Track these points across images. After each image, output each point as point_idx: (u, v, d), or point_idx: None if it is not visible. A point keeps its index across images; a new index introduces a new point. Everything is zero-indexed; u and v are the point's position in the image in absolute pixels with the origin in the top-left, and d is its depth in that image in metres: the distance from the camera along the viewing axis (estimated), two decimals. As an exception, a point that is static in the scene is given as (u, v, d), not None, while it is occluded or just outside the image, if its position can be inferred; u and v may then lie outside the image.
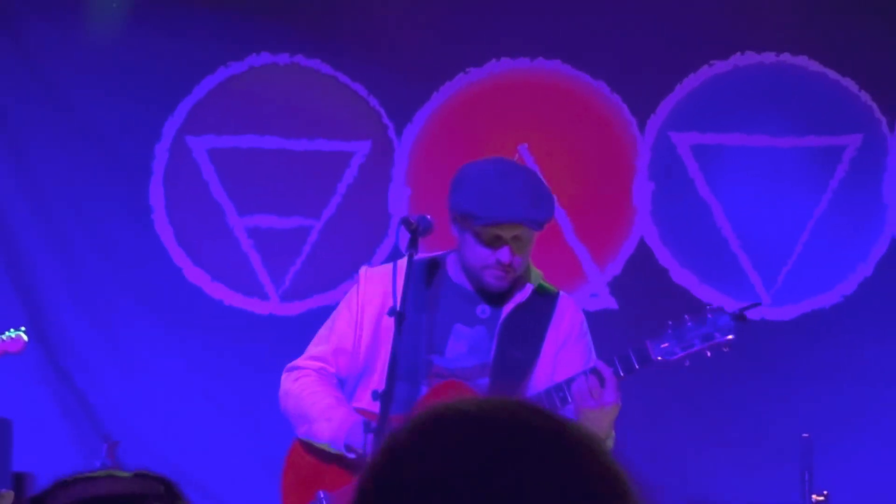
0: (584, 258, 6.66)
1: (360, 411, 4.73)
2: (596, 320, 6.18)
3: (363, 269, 5.02)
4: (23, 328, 5.95)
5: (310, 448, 4.88)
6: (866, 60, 6.80)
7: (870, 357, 6.42)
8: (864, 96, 6.73)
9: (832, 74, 6.77)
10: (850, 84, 6.75)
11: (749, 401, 6.51)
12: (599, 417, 4.48)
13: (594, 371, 4.49)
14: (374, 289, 4.87)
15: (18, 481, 5.93)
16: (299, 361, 4.95)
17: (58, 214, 6.97)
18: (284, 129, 6.94)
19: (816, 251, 6.77)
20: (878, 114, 6.74)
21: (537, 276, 4.87)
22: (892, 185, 6.78)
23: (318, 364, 4.88)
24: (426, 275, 4.93)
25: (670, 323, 4.56)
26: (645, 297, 6.74)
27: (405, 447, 1.48)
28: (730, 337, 4.60)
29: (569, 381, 4.53)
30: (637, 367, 4.54)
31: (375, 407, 4.69)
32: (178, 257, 6.90)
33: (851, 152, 6.75)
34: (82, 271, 6.94)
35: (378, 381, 4.78)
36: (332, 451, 4.73)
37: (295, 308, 6.81)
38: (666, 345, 4.57)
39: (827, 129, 6.80)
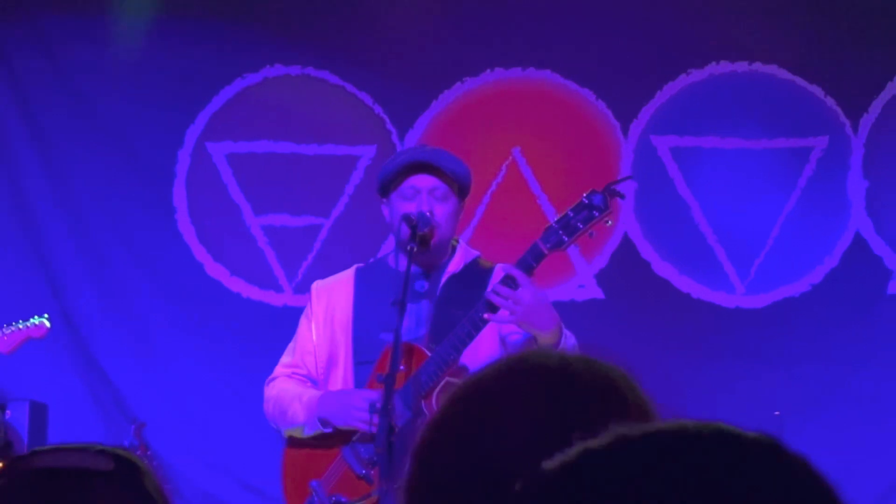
0: (573, 252, 6.39)
1: (327, 395, 4.83)
2: (584, 309, 6.62)
3: (314, 284, 5.09)
4: (46, 315, 5.88)
5: (296, 445, 4.87)
6: (831, 68, 6.78)
7: (835, 341, 6.42)
8: (830, 101, 6.71)
9: (800, 81, 6.74)
10: (816, 90, 6.72)
11: (726, 381, 6.43)
12: (533, 315, 4.44)
13: (504, 279, 4.42)
14: (323, 298, 4.93)
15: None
16: (274, 373, 4.97)
17: (87, 214, 6.92)
18: (296, 135, 6.93)
19: (786, 244, 6.73)
20: (842, 117, 6.73)
21: (474, 255, 4.90)
22: (856, 182, 6.77)
23: (290, 370, 4.92)
24: (374, 273, 4.95)
25: (554, 220, 4.49)
26: (629, 288, 6.74)
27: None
28: (608, 211, 4.47)
29: (486, 300, 4.46)
30: (534, 263, 4.45)
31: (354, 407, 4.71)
32: (200, 254, 6.88)
33: (818, 153, 6.75)
34: (110, 267, 6.90)
35: (340, 373, 4.86)
36: (309, 434, 4.74)
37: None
38: (554, 238, 4.47)
39: (795, 132, 6.78)
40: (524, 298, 4.33)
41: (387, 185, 4.75)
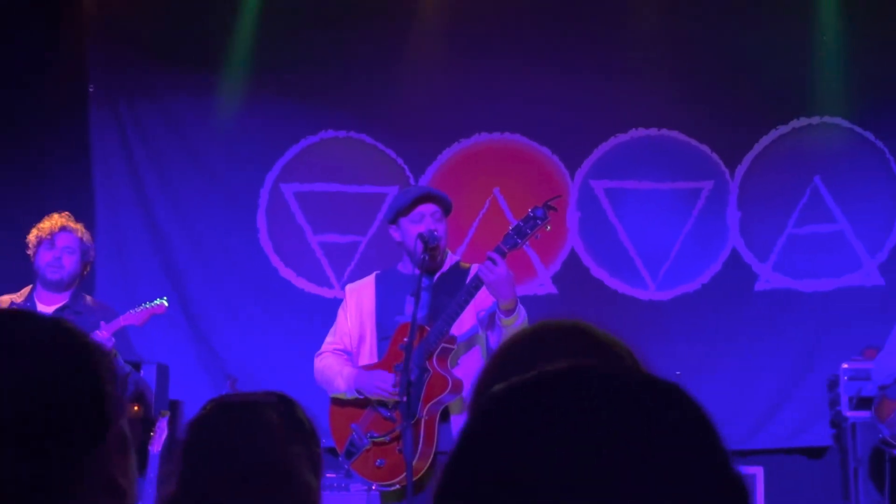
0: (535, 260, 6.74)
1: (363, 367, 4.95)
2: (543, 301, 6.66)
3: (347, 287, 5.32)
4: (165, 297, 5.68)
5: (338, 402, 5.00)
6: (716, 132, 6.82)
7: (718, 324, 6.55)
8: (714, 156, 6.82)
9: (694, 142, 6.83)
10: (705, 148, 6.83)
11: (648, 354, 6.50)
12: (502, 286, 4.60)
13: (488, 258, 4.58)
14: (353, 296, 5.09)
15: (173, 406, 6.00)
16: (322, 348, 5.13)
17: (197, 231, 6.97)
18: (342, 179, 6.98)
19: (684, 255, 6.80)
20: (723, 167, 6.82)
21: (456, 259, 5.05)
22: (732, 213, 6.80)
23: (332, 347, 5.05)
24: (389, 277, 5.11)
25: (511, 227, 4.69)
26: (575, 286, 6.78)
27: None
28: (547, 220, 4.67)
29: (476, 276, 4.66)
30: (501, 257, 4.57)
31: (374, 360, 4.99)
32: (275, 261, 6.97)
33: (706, 192, 6.82)
34: (213, 268, 6.97)
35: (367, 349, 5.05)
36: (349, 397, 4.92)
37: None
38: (511, 241, 4.62)
39: (690, 177, 6.84)
40: (498, 271, 4.48)
41: (398, 213, 4.89)
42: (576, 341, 1.51)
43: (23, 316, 1.46)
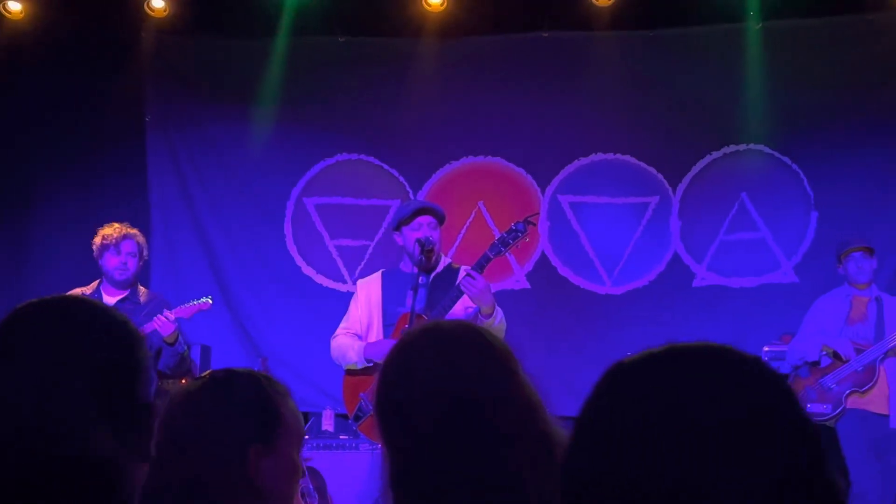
0: (513, 261, 6.73)
1: (369, 344, 4.98)
2: (518, 295, 6.66)
3: (358, 282, 5.37)
4: (210, 296, 5.68)
5: (350, 373, 5.04)
6: (662, 156, 6.79)
7: (660, 314, 6.51)
8: (660, 176, 6.79)
9: (643, 164, 6.81)
10: (652, 170, 6.81)
11: (599, 335, 6.49)
12: (482, 296, 4.67)
13: (468, 274, 4.66)
14: (363, 290, 5.18)
15: None
16: (336, 332, 5.17)
17: (235, 237, 6.96)
18: (354, 193, 6.97)
19: (635, 257, 6.80)
20: (667, 185, 6.80)
21: (448, 261, 5.09)
22: (674, 222, 6.78)
23: (345, 330, 5.12)
24: (393, 274, 5.14)
25: (496, 238, 4.78)
26: (544, 282, 6.78)
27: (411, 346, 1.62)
28: (526, 233, 4.77)
29: (459, 284, 4.70)
30: (484, 264, 4.70)
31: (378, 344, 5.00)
32: (299, 261, 6.96)
33: (653, 205, 6.82)
34: (248, 268, 6.95)
35: (374, 333, 5.09)
36: (360, 367, 4.97)
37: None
38: (495, 250, 4.71)
39: (640, 193, 6.82)
40: (478, 285, 4.61)
41: (400, 222, 4.96)
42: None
43: (90, 303, 1.47)
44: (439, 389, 1.54)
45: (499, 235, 4.85)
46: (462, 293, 4.72)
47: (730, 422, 0.83)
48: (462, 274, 4.96)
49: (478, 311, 4.76)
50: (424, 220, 4.91)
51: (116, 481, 1.33)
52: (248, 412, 1.77)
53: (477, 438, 1.49)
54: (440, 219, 4.98)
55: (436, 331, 1.67)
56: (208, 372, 1.84)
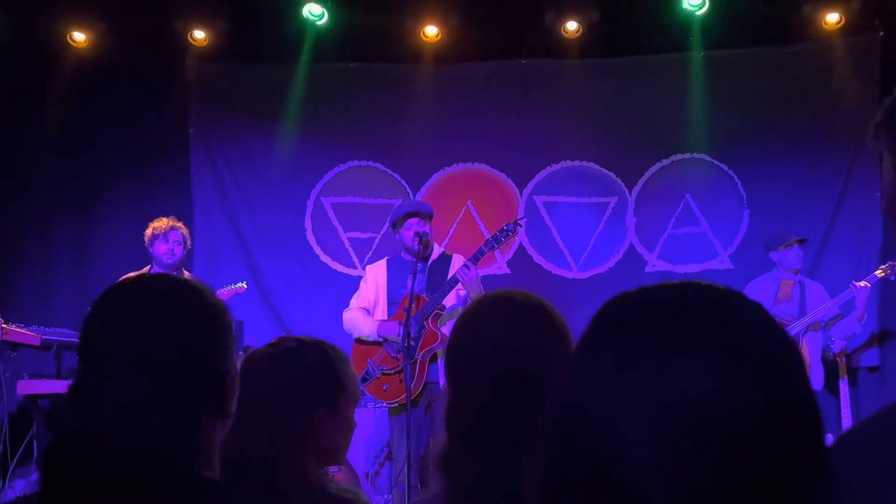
0: (497, 252, 6.67)
1: (383, 323, 5.08)
2: (500, 278, 6.59)
3: (367, 267, 5.46)
4: (244, 281, 5.89)
5: (359, 343, 5.14)
6: (619, 163, 6.77)
7: (617, 292, 5.84)
8: (618, 180, 6.80)
9: (604, 170, 6.80)
10: (612, 174, 6.80)
11: (572, 314, 5.43)
12: (473, 284, 4.76)
13: (464, 265, 4.81)
14: (371, 273, 5.29)
15: (246, 350, 5.06)
16: (349, 306, 5.23)
17: (264, 231, 6.89)
18: (363, 194, 6.95)
19: (598, 247, 6.79)
20: (624, 188, 6.79)
21: (441, 250, 5.20)
22: (630, 219, 6.79)
23: (357, 306, 5.21)
24: (396, 261, 5.25)
25: (489, 236, 4.93)
26: (522, 268, 6.75)
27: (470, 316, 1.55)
28: (515, 233, 4.96)
29: (456, 273, 4.85)
30: (480, 256, 4.83)
31: (385, 318, 5.09)
32: (317, 250, 6.93)
33: (612, 204, 6.82)
34: (275, 256, 6.88)
35: (380, 310, 5.12)
36: (371, 340, 5.09)
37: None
38: (488, 245, 4.89)
39: (601, 194, 6.81)
40: (471, 275, 4.78)
41: (398, 221, 5.11)
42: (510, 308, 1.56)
43: (177, 279, 1.41)
44: (502, 346, 1.50)
45: (492, 234, 5.00)
46: (457, 282, 4.86)
47: (718, 338, 0.76)
48: (455, 260, 5.10)
49: (468, 295, 4.84)
50: (413, 220, 5.05)
51: (199, 438, 1.29)
52: (315, 379, 1.73)
53: (524, 395, 1.43)
54: (428, 217, 5.08)
55: (507, 297, 1.61)
56: (279, 339, 1.80)
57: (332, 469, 5.14)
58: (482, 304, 1.59)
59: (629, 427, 0.74)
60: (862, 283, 5.75)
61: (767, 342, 0.78)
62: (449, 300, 5.04)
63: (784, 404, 0.75)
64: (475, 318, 1.57)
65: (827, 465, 0.76)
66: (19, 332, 5.79)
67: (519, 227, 5.05)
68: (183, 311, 1.32)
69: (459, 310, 4.86)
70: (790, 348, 0.79)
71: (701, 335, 0.76)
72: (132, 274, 5.45)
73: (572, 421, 0.78)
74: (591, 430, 0.76)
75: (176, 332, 1.29)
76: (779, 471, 0.73)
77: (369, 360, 5.12)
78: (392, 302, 5.14)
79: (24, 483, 5.75)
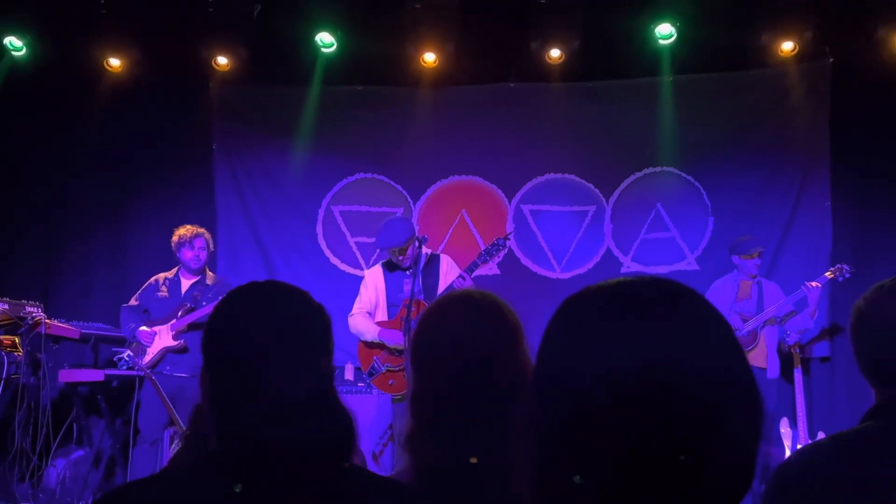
0: None
1: (379, 323, 5.11)
2: (491, 279, 6.59)
3: (365, 271, 5.47)
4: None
5: (365, 343, 5.17)
6: (597, 175, 6.78)
7: None
8: (596, 191, 6.81)
9: (584, 181, 6.81)
10: (591, 185, 6.81)
11: (544, 317, 6.15)
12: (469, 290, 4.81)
13: (460, 276, 4.84)
14: (371, 278, 5.30)
15: None
16: (352, 311, 5.20)
17: (280, 235, 6.89)
18: (369, 203, 6.94)
19: (578, 251, 6.79)
20: (601, 197, 6.80)
21: (428, 252, 5.16)
22: (607, 225, 6.74)
23: (360, 311, 5.21)
24: (390, 267, 5.22)
25: (483, 249, 4.96)
26: (510, 269, 6.73)
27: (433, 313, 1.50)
28: (505, 247, 4.94)
29: (453, 283, 4.85)
30: (474, 269, 4.86)
31: (385, 319, 5.06)
32: (327, 253, 6.94)
33: (591, 213, 6.82)
34: (290, 258, 6.88)
35: (381, 311, 5.09)
36: (375, 341, 5.12)
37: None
38: (482, 258, 4.88)
39: (581, 203, 6.80)
40: (466, 285, 4.78)
41: (383, 249, 5.14)
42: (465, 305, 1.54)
43: (277, 284, 1.43)
44: (459, 339, 1.50)
45: (485, 247, 5.03)
46: (452, 289, 4.89)
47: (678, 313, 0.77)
48: (442, 260, 5.17)
49: None
50: (400, 251, 5.08)
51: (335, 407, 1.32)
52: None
53: (480, 385, 1.44)
54: (408, 244, 5.05)
55: (466, 297, 1.62)
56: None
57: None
58: (443, 302, 1.60)
59: (591, 387, 0.75)
60: (813, 284, 5.82)
61: (708, 322, 0.80)
62: None
63: (720, 373, 0.77)
64: (437, 314, 1.58)
65: (759, 426, 0.77)
66: (61, 326, 5.93)
67: (508, 241, 5.12)
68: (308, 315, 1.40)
69: None
70: (727, 327, 0.82)
71: (654, 314, 0.79)
72: (162, 274, 5.87)
73: (551, 384, 0.79)
74: (563, 391, 0.77)
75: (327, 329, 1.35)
76: (710, 430, 0.74)
77: (375, 357, 5.17)
78: (391, 304, 5.16)
79: (65, 462, 5.82)
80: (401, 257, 5.05)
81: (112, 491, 1.31)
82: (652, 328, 0.77)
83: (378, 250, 5.21)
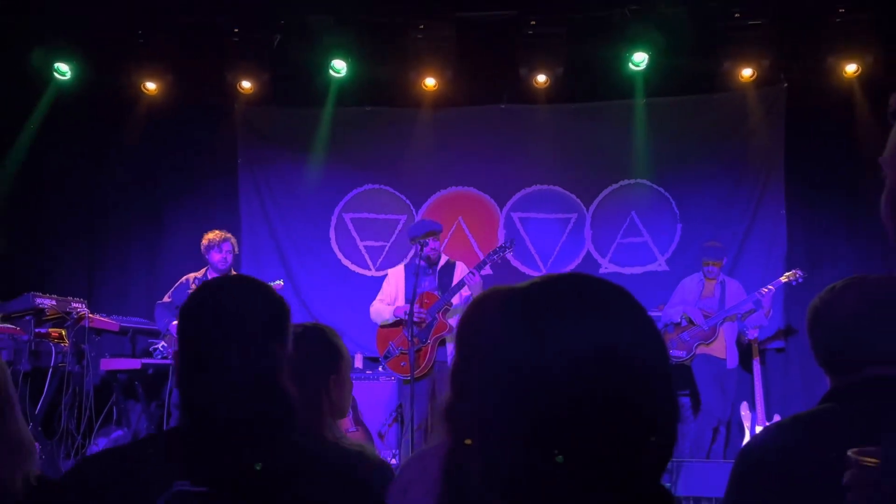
0: (481, 256, 6.46)
1: (398, 307, 5.21)
2: (487, 279, 5.94)
3: (388, 270, 5.67)
4: (281, 280, 5.85)
5: (383, 327, 5.24)
6: (579, 186, 6.85)
7: None
8: (578, 200, 6.87)
9: (567, 192, 6.90)
10: (573, 195, 6.89)
11: None
12: (478, 288, 4.91)
13: (470, 272, 4.96)
14: (393, 275, 5.44)
15: None
16: (375, 301, 5.36)
17: (297, 239, 6.94)
18: (376, 210, 7.00)
19: (562, 253, 6.86)
20: (582, 206, 6.88)
21: (447, 258, 5.35)
22: (588, 231, 6.87)
23: (381, 301, 5.34)
24: (411, 266, 5.31)
25: (489, 252, 5.07)
26: (502, 270, 6.67)
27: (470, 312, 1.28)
28: (511, 249, 5.07)
29: (464, 278, 5.00)
30: (482, 267, 5.02)
31: (403, 307, 5.15)
32: (339, 255, 7.00)
33: (573, 220, 6.91)
34: (305, 260, 6.95)
35: (400, 302, 5.20)
36: (390, 322, 5.16)
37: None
38: (489, 258, 5.06)
39: (565, 211, 6.87)
40: (475, 280, 4.97)
41: (415, 238, 5.21)
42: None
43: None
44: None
45: (491, 251, 5.22)
46: (464, 284, 5.10)
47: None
48: (458, 267, 5.32)
49: (471, 295, 5.03)
50: (430, 239, 5.26)
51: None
52: (324, 353, 1.76)
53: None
54: (438, 234, 5.34)
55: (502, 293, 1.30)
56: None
57: (351, 429, 5.31)
58: (480, 300, 1.45)
59: (541, 370, 0.74)
60: (767, 288, 5.95)
61: (633, 314, 0.83)
62: (456, 299, 5.20)
63: (648, 352, 0.78)
64: (474, 318, 1.42)
65: (671, 408, 0.77)
66: (102, 320, 6.01)
67: (512, 246, 5.30)
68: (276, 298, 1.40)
69: (461, 308, 4.95)
70: (649, 320, 0.84)
71: (590, 307, 0.80)
72: (192, 274, 5.95)
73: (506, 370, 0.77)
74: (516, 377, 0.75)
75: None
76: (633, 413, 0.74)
77: (391, 341, 5.27)
78: (407, 299, 5.30)
79: (106, 441, 5.94)
80: (430, 241, 5.07)
81: (81, 461, 1.41)
82: (598, 318, 0.80)
83: (409, 239, 5.21)
